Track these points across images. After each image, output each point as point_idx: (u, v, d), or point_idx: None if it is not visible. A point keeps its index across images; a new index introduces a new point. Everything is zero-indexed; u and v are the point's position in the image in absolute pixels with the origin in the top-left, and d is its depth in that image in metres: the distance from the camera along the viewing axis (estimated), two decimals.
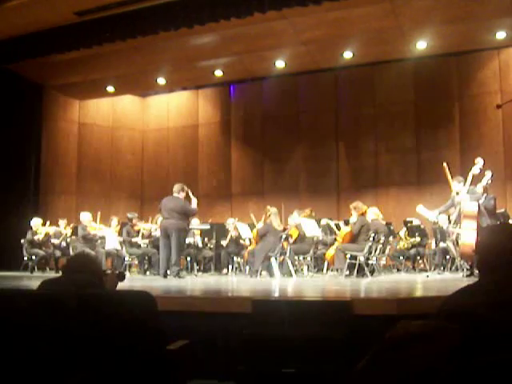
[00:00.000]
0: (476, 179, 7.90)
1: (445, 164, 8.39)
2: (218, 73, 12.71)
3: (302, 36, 10.64)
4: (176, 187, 8.97)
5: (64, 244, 11.32)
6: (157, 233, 10.76)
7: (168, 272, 8.69)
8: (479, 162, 7.91)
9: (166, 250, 8.71)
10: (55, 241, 11.25)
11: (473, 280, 1.75)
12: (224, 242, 11.07)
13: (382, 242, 8.95)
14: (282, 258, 9.51)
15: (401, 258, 10.97)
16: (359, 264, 8.50)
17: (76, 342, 2.54)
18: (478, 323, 1.36)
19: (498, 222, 7.90)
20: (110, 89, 13.55)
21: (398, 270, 11.00)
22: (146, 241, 10.69)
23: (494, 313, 1.38)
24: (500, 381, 1.24)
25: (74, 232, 11.05)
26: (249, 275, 9.56)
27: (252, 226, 10.65)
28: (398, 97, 12.88)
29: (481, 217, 7.67)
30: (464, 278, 7.80)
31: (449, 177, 8.30)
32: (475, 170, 7.88)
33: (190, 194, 9.12)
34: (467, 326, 1.36)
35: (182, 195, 8.90)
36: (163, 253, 8.75)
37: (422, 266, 11.09)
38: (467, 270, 8.41)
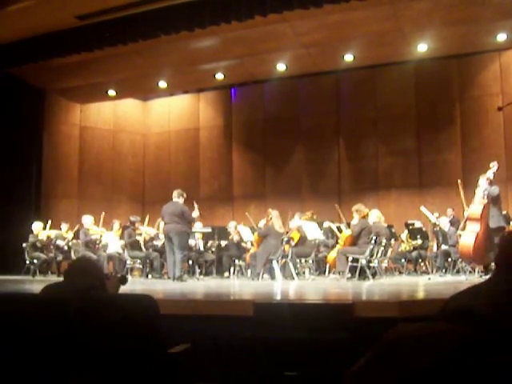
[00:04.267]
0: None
1: (459, 181, 8.46)
2: (219, 76, 12.71)
3: (303, 39, 10.65)
4: (175, 193, 9.22)
5: (66, 248, 11.32)
6: (159, 237, 10.80)
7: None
8: (494, 166, 7.90)
9: (171, 254, 8.86)
10: (60, 242, 11.24)
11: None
12: (224, 243, 11.11)
13: (383, 244, 8.94)
14: (284, 260, 9.50)
15: (402, 260, 10.95)
16: (361, 267, 8.49)
17: (78, 345, 2.54)
18: (482, 324, 1.35)
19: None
20: (112, 92, 13.57)
21: (400, 272, 10.99)
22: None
23: (499, 314, 1.37)
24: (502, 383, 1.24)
25: (76, 236, 11.05)
26: (250, 278, 9.56)
27: (253, 229, 10.66)
28: (399, 99, 12.88)
29: (489, 207, 7.75)
30: (466, 281, 7.81)
31: (462, 194, 8.35)
32: (489, 174, 7.87)
33: (196, 207, 9.40)
34: (471, 326, 1.35)
35: (182, 200, 9.07)
36: (169, 257, 8.91)
37: (423, 268, 11.08)
38: (481, 271, 8.51)
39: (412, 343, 1.34)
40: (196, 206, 9.49)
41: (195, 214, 9.30)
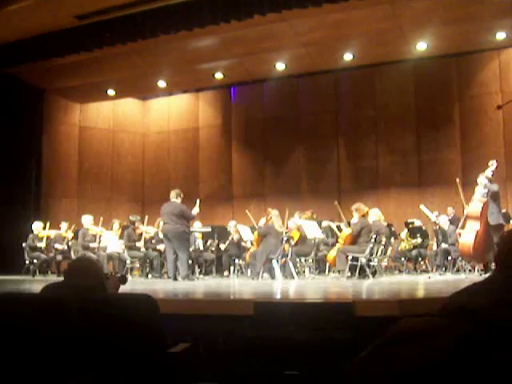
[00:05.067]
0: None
1: (458, 180, 8.45)
2: (219, 75, 12.71)
3: (302, 38, 10.65)
4: (173, 193, 9.26)
5: (65, 247, 11.31)
6: (159, 236, 10.80)
7: (177, 274, 8.86)
8: (493, 164, 7.90)
9: (171, 254, 8.94)
10: (58, 245, 11.22)
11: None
12: (223, 246, 11.09)
13: (383, 243, 8.95)
14: (284, 260, 9.50)
15: (402, 259, 10.95)
16: (361, 265, 8.50)
17: (78, 345, 2.54)
18: (484, 322, 1.35)
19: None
20: (111, 92, 13.57)
21: (400, 271, 10.99)
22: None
23: (501, 312, 1.37)
24: (504, 382, 1.23)
25: (76, 235, 11.05)
26: (250, 277, 9.55)
27: (252, 228, 10.65)
28: (399, 98, 12.88)
29: (489, 204, 7.77)
30: (466, 279, 7.81)
31: (461, 193, 8.35)
32: (488, 172, 7.88)
33: (197, 205, 9.32)
34: (472, 323, 1.35)
35: (179, 200, 9.14)
36: (169, 256, 9.00)
37: (423, 267, 11.08)
38: (480, 270, 8.53)
39: (414, 338, 1.33)
40: (198, 202, 9.43)
41: (195, 210, 9.27)
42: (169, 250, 8.99)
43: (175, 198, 9.16)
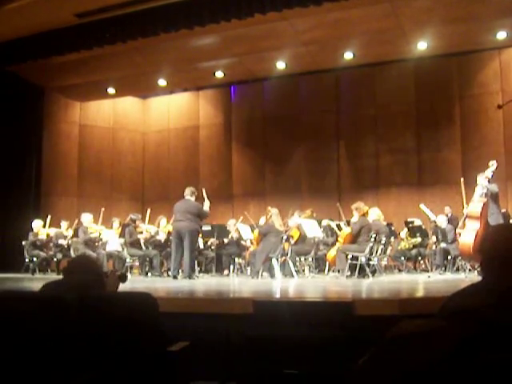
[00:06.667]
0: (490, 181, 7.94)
1: (462, 179, 8.46)
2: (219, 74, 12.71)
3: (303, 37, 10.64)
4: (187, 190, 9.22)
5: (65, 246, 11.31)
6: (160, 236, 10.80)
7: (179, 273, 8.88)
8: (493, 165, 7.90)
9: (178, 252, 8.89)
10: (61, 241, 11.20)
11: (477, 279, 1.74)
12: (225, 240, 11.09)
13: (383, 242, 8.95)
14: (284, 258, 9.51)
15: (402, 258, 10.96)
16: (360, 265, 8.50)
17: (77, 343, 2.54)
18: (481, 323, 1.35)
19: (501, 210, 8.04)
20: (111, 90, 13.56)
21: (400, 270, 10.99)
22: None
23: (497, 313, 1.37)
24: (501, 381, 1.24)
25: (76, 234, 11.05)
26: (250, 276, 9.56)
27: (252, 227, 10.66)
28: (399, 97, 12.87)
29: (489, 204, 7.76)
30: (466, 279, 7.81)
31: (463, 193, 8.35)
32: (488, 173, 7.88)
33: (205, 196, 9.29)
34: (470, 325, 1.35)
35: (194, 198, 9.17)
36: (175, 254, 8.94)
37: (423, 266, 11.09)
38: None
39: (414, 340, 1.34)
40: (205, 192, 9.35)
41: (206, 205, 9.21)
42: (177, 249, 8.91)
43: (189, 195, 9.14)
